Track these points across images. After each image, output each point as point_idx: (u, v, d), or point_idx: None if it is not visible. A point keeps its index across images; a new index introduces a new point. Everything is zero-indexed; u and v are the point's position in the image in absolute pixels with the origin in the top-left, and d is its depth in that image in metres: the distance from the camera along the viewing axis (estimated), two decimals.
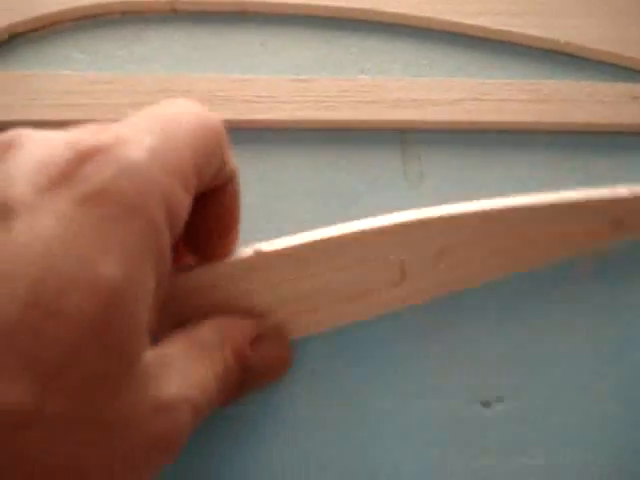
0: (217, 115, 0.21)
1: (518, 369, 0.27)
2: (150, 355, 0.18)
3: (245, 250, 0.24)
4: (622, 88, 0.32)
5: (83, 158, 0.17)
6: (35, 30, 0.32)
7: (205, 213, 0.22)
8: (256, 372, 0.23)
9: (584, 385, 0.27)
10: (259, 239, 0.24)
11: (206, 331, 0.22)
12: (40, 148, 0.18)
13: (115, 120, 0.19)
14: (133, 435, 0.17)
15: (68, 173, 0.17)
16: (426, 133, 0.31)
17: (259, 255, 0.23)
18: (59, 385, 0.15)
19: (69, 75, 0.31)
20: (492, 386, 0.26)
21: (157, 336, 0.19)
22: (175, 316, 0.22)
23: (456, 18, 0.33)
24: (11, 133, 0.18)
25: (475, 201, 0.25)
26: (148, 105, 0.20)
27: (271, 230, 0.26)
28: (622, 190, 0.25)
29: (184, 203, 0.19)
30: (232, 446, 0.25)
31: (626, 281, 0.29)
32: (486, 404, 0.26)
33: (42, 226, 0.16)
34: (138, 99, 0.30)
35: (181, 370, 0.19)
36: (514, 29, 0.33)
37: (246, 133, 0.30)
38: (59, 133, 0.18)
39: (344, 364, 0.26)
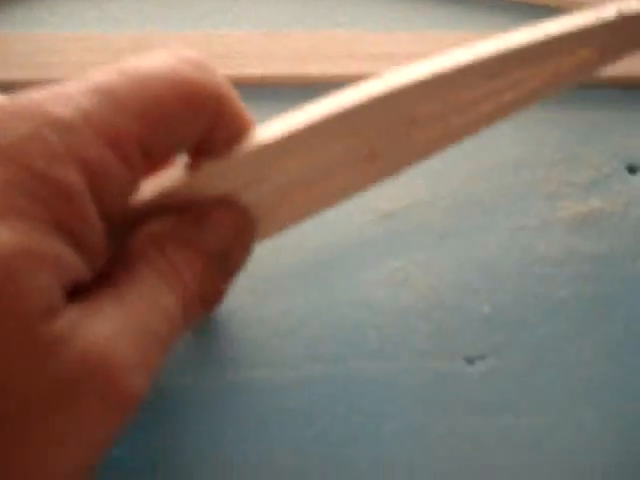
0: (208, 72, 0.19)
1: (502, 327, 0.26)
2: (74, 314, 0.16)
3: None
4: None
5: None
6: None
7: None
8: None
9: (568, 342, 0.26)
10: None
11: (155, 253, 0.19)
12: None
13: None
14: (63, 387, 0.16)
15: None
16: None
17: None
18: None
19: (41, 34, 0.30)
20: (476, 343, 0.26)
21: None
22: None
23: None
24: None
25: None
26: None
27: None
28: (609, 12, 0.22)
29: (119, 175, 0.17)
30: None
31: (609, 242, 0.28)
32: (470, 361, 0.26)
33: None
34: (111, 57, 0.29)
35: (127, 312, 0.17)
36: None
37: None
38: None
39: None
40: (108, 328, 0.17)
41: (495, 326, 0.26)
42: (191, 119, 0.18)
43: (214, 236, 0.20)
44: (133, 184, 0.18)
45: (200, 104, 0.19)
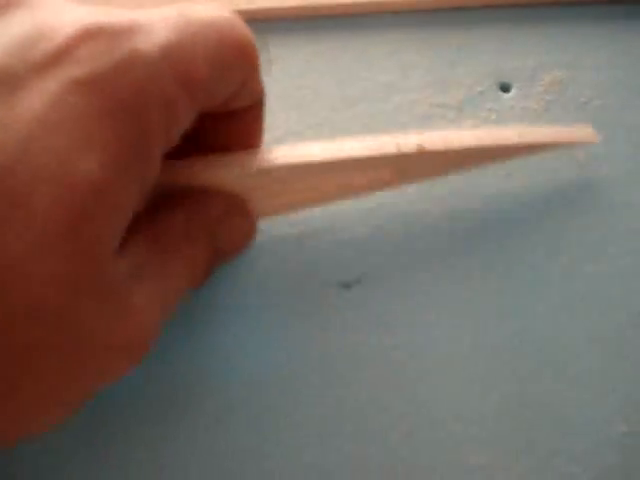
0: (246, 30, 0.19)
1: (376, 250, 0.26)
2: (123, 265, 0.16)
3: None
4: None
5: (84, 37, 0.15)
6: None
7: (224, 135, 0.21)
8: (224, 248, 0.22)
9: (443, 258, 0.26)
10: None
11: (174, 220, 0.20)
12: (43, 13, 0.15)
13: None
14: (95, 339, 0.16)
15: (64, 51, 0.15)
16: (273, 22, 0.29)
17: None
18: (18, 278, 0.14)
19: None
20: (352, 268, 0.26)
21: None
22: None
23: None
24: None
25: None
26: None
27: None
28: (410, 144, 0.23)
29: (187, 115, 0.17)
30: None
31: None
32: (346, 285, 0.26)
33: (25, 107, 0.14)
34: None
35: (152, 276, 0.18)
36: None
37: None
38: (70, 2, 0.16)
39: None
40: (151, 289, 0.18)
41: (370, 249, 0.26)
42: (239, 71, 0.19)
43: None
44: (190, 125, 0.18)
45: (248, 58, 0.19)
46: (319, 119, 0.28)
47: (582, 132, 0.27)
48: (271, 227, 0.26)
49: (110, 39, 0.15)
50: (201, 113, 0.18)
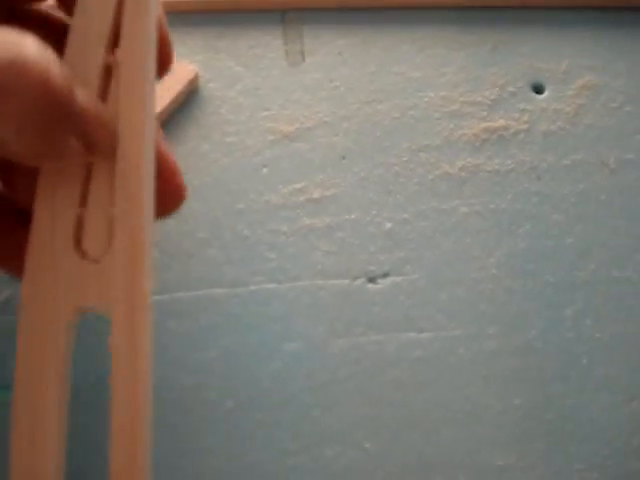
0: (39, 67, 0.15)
1: (404, 244, 0.26)
2: None
3: None
4: None
5: None
6: None
7: None
8: None
9: (471, 258, 0.26)
10: None
11: None
12: None
13: None
14: None
15: None
16: (308, 12, 0.29)
17: None
18: None
19: None
20: (377, 261, 0.26)
21: None
22: None
23: None
24: None
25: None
26: None
27: None
28: None
29: None
30: None
31: (513, 159, 0.28)
32: (372, 279, 0.25)
33: None
34: None
35: None
36: None
37: None
38: None
39: None
40: None
41: (397, 243, 0.26)
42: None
43: None
44: None
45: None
46: (350, 111, 0.28)
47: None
48: (297, 216, 0.26)
49: None
50: None
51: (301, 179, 0.26)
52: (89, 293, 0.17)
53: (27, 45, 0.15)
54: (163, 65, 0.20)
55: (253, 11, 0.29)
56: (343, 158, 0.27)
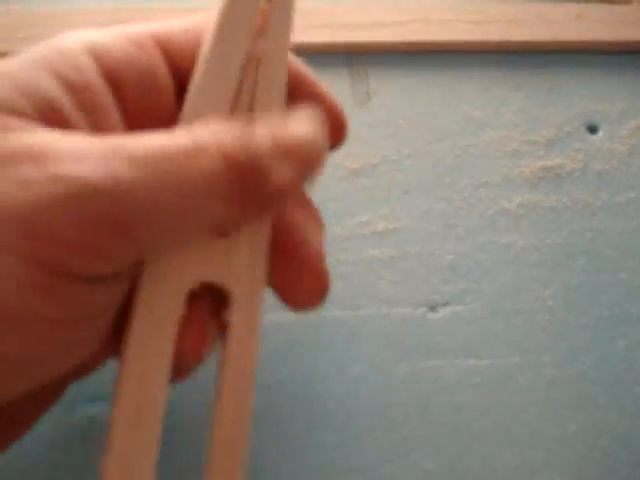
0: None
1: (464, 275, 0.27)
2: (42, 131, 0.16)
3: None
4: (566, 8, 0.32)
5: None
6: None
7: None
8: None
9: (529, 290, 0.27)
10: None
11: None
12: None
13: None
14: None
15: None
16: (373, 55, 0.31)
17: None
18: None
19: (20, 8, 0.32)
20: (439, 291, 0.27)
21: None
22: None
23: None
24: None
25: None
26: None
27: None
28: None
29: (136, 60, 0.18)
30: None
31: (569, 196, 0.29)
32: (433, 308, 0.27)
33: None
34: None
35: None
36: None
37: None
38: None
39: None
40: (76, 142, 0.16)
41: (458, 274, 0.27)
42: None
43: None
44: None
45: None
46: (413, 149, 0.29)
47: None
48: (363, 247, 0.27)
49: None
50: None
51: (366, 213, 0.28)
52: (213, 266, 0.17)
53: None
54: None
55: (319, 54, 0.31)
56: (406, 193, 0.29)
